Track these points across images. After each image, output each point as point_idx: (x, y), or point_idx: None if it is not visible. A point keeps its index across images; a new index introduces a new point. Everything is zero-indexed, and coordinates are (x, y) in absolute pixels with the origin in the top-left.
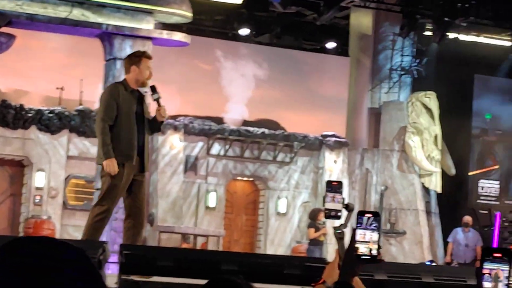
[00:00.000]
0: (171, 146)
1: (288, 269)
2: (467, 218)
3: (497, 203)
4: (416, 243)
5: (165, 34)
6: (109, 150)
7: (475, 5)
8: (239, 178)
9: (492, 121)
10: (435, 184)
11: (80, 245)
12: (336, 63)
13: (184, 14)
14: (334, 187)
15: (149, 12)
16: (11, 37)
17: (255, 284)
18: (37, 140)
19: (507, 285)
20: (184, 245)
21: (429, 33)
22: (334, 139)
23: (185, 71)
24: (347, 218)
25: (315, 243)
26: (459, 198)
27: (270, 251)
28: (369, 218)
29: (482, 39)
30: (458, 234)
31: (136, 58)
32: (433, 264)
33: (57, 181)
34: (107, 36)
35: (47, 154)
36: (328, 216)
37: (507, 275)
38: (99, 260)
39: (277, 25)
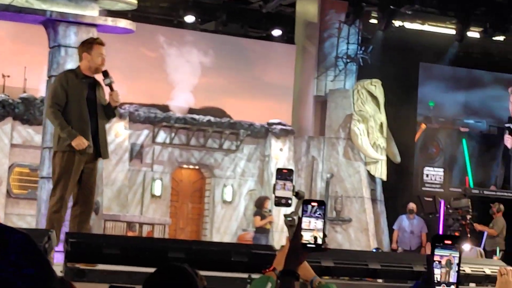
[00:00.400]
0: (116, 134)
1: (235, 257)
2: (412, 205)
3: (442, 190)
4: (362, 230)
5: (110, 21)
6: (70, 131)
7: None
8: (185, 166)
9: (435, 109)
10: (381, 171)
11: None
12: (282, 50)
13: (129, 1)
14: (284, 174)
15: None
16: None
17: (203, 272)
18: None
19: (457, 271)
20: (130, 234)
21: (374, 21)
22: (280, 127)
23: (130, 59)
24: (298, 206)
25: (261, 231)
26: (404, 185)
27: (216, 239)
28: (313, 206)
29: (427, 27)
30: (403, 221)
31: (88, 44)
32: (379, 251)
33: (0, 170)
34: (51, 23)
35: None
36: (278, 204)
37: (457, 261)
38: (44, 248)
39: (222, 12)
